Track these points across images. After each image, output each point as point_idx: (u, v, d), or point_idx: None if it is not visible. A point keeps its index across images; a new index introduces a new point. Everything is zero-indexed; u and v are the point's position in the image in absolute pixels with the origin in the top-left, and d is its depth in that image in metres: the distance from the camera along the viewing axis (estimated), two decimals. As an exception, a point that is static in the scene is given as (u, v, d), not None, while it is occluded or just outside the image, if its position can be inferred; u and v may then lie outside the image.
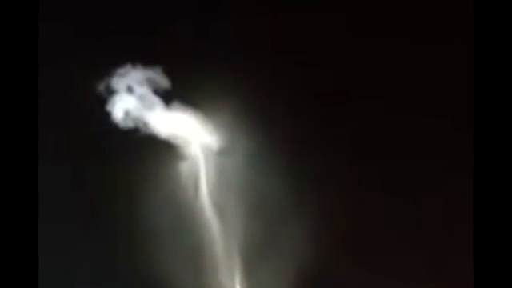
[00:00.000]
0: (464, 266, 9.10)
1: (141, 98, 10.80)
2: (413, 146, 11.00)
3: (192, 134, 10.87)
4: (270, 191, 10.84)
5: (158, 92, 10.80)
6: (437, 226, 10.83)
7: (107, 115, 10.72)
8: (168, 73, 10.76)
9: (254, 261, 10.90)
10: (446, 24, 10.92)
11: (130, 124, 10.76)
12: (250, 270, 10.93)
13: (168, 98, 10.79)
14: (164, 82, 10.77)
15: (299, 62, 11.02)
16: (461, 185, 10.06)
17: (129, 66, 10.73)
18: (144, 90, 10.80)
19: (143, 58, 10.71)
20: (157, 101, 10.80)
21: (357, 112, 11.07)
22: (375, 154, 11.07)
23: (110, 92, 10.73)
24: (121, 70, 10.73)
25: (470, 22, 8.09)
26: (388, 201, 10.84)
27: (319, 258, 10.65)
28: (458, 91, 10.67)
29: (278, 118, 10.91)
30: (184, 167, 10.87)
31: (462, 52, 10.16)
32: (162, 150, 10.77)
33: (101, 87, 10.69)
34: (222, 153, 10.93)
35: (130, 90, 10.79)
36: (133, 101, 10.78)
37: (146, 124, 10.76)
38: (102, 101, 10.70)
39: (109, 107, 10.73)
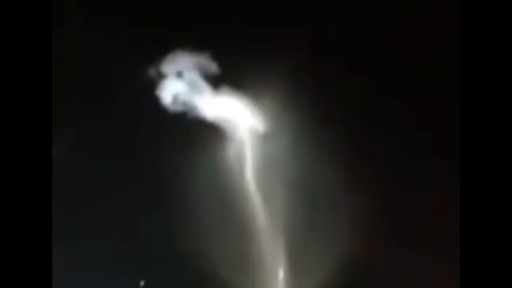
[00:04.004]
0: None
1: (190, 83, 11.05)
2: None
3: (239, 118, 11.09)
4: (316, 176, 10.91)
5: (206, 76, 11.04)
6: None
7: (156, 99, 11.00)
8: (217, 58, 10.98)
9: (298, 245, 11.00)
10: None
11: (178, 108, 11.01)
12: (295, 256, 11.02)
13: (216, 82, 11.03)
14: (213, 67, 11.00)
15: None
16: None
17: (178, 52, 10.97)
18: (193, 75, 11.04)
19: (193, 43, 10.92)
20: (205, 85, 11.04)
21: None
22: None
23: (160, 77, 11.00)
24: (170, 56, 10.98)
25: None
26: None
27: (366, 243, 10.63)
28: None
29: (326, 103, 11.00)
30: (231, 150, 11.09)
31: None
32: (209, 134, 10.98)
33: (150, 72, 10.96)
34: (268, 136, 11.14)
35: (179, 74, 11.04)
36: (182, 85, 11.03)
37: (194, 108, 11.01)
38: (151, 85, 10.97)
39: (158, 92, 11.00)
